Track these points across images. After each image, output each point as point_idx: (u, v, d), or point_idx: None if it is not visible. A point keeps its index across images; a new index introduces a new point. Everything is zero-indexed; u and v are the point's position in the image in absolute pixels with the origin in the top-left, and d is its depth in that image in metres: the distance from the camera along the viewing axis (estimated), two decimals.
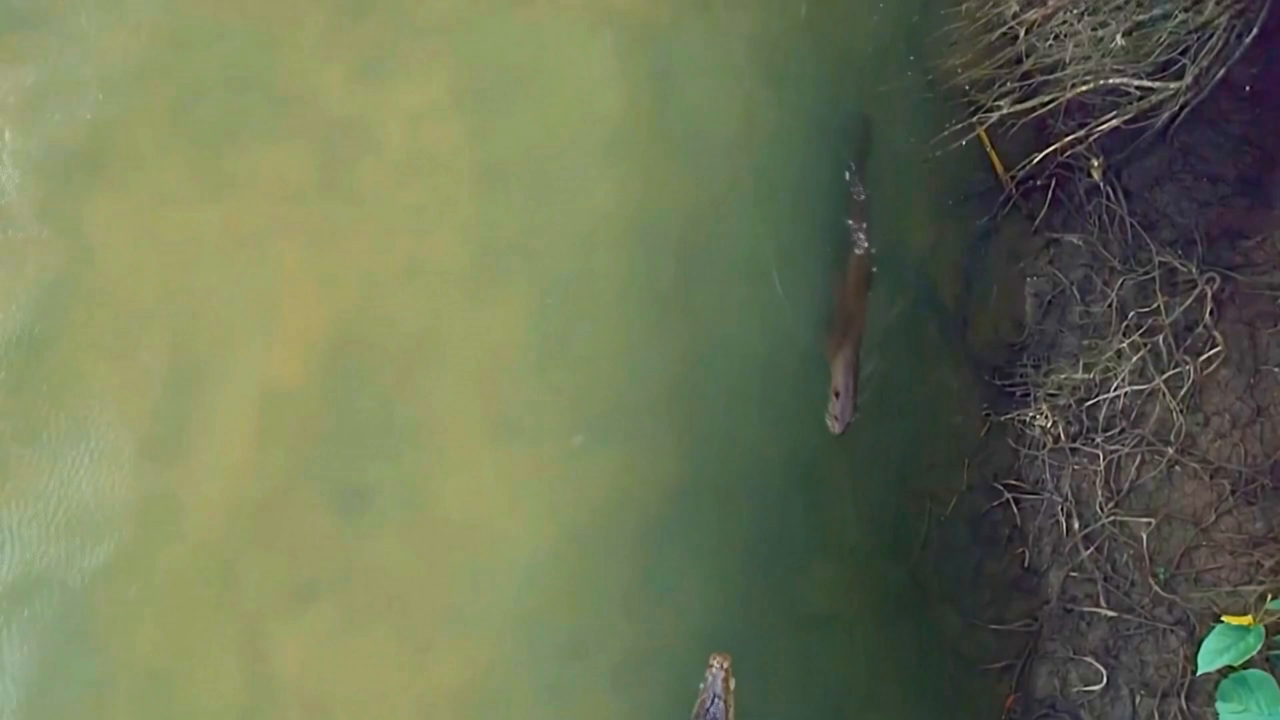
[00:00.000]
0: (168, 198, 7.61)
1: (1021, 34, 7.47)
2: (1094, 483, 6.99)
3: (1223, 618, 5.62)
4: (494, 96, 7.71)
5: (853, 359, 7.24)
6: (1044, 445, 7.14)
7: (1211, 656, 5.60)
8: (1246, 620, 5.58)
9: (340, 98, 7.64)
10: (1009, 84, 7.50)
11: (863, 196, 7.45)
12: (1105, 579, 6.88)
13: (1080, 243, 7.45)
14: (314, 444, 7.25)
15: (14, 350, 7.30)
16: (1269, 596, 6.36)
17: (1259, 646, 5.52)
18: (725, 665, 6.58)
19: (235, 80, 7.60)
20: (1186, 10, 7.03)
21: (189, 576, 7.05)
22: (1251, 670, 5.54)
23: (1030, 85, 7.45)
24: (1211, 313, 7.08)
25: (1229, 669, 5.58)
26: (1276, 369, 6.98)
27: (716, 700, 6.58)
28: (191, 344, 7.39)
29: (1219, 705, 5.57)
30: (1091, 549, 6.93)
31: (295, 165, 7.68)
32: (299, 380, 7.35)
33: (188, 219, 7.58)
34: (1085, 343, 7.28)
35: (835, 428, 7.14)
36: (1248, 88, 7.35)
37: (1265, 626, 5.63)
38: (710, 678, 6.60)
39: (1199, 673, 5.66)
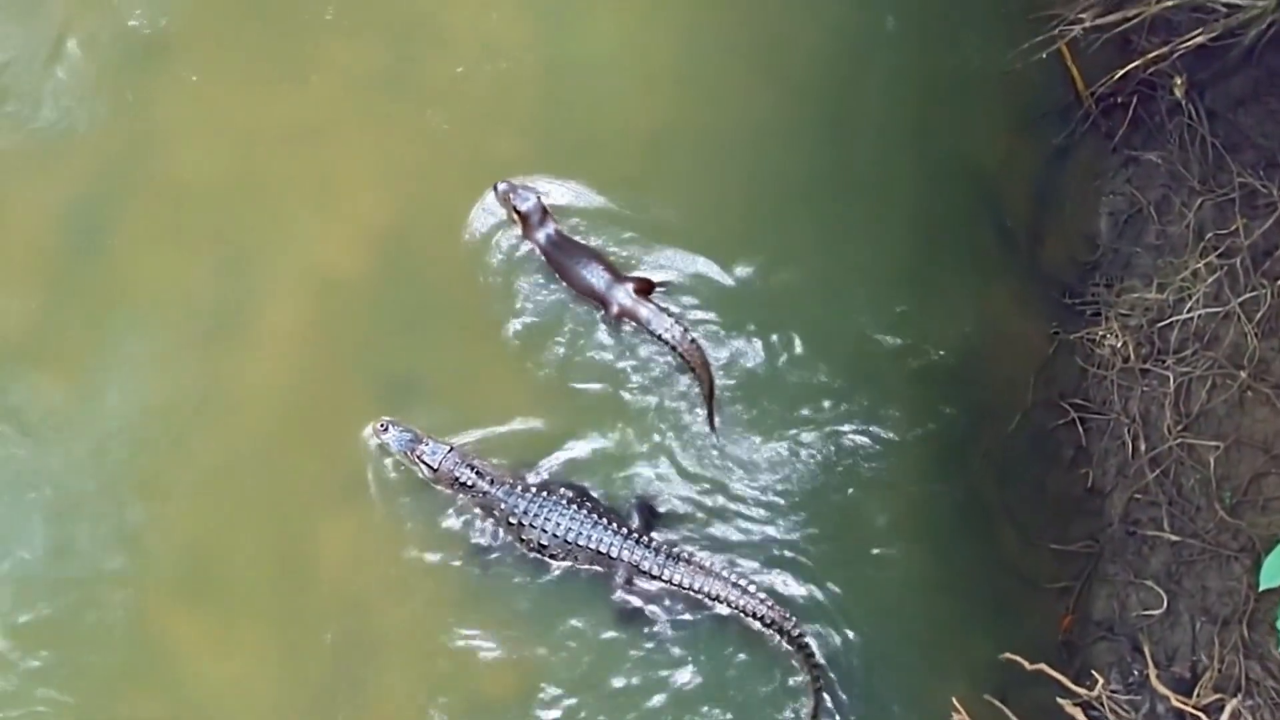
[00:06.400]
0: (236, 84, 7.60)
1: None
2: (1163, 405, 6.82)
3: None
4: None
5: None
6: (1113, 365, 6.97)
7: (1274, 572, 5.40)
8: None
9: None
10: None
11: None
12: (1170, 503, 6.71)
13: (1159, 162, 7.27)
14: (366, 334, 7.20)
15: (81, 235, 7.28)
16: None
17: None
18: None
19: None
20: None
21: (237, 465, 7.03)
22: None
23: None
24: None
25: None
26: None
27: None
28: (251, 231, 7.36)
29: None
30: (1157, 472, 6.76)
31: (365, 56, 7.65)
32: (355, 271, 7.30)
33: (254, 106, 7.57)
34: (1160, 263, 7.11)
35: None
36: None
37: None
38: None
39: (1261, 589, 5.48)
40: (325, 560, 6.87)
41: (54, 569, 6.76)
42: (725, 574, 6.72)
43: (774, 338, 7.21)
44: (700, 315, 7.21)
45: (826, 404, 7.06)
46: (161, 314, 7.22)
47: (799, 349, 7.17)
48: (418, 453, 6.87)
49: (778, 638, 6.70)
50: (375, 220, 7.41)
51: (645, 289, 7.17)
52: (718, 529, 6.91)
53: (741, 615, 6.72)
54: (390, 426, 6.91)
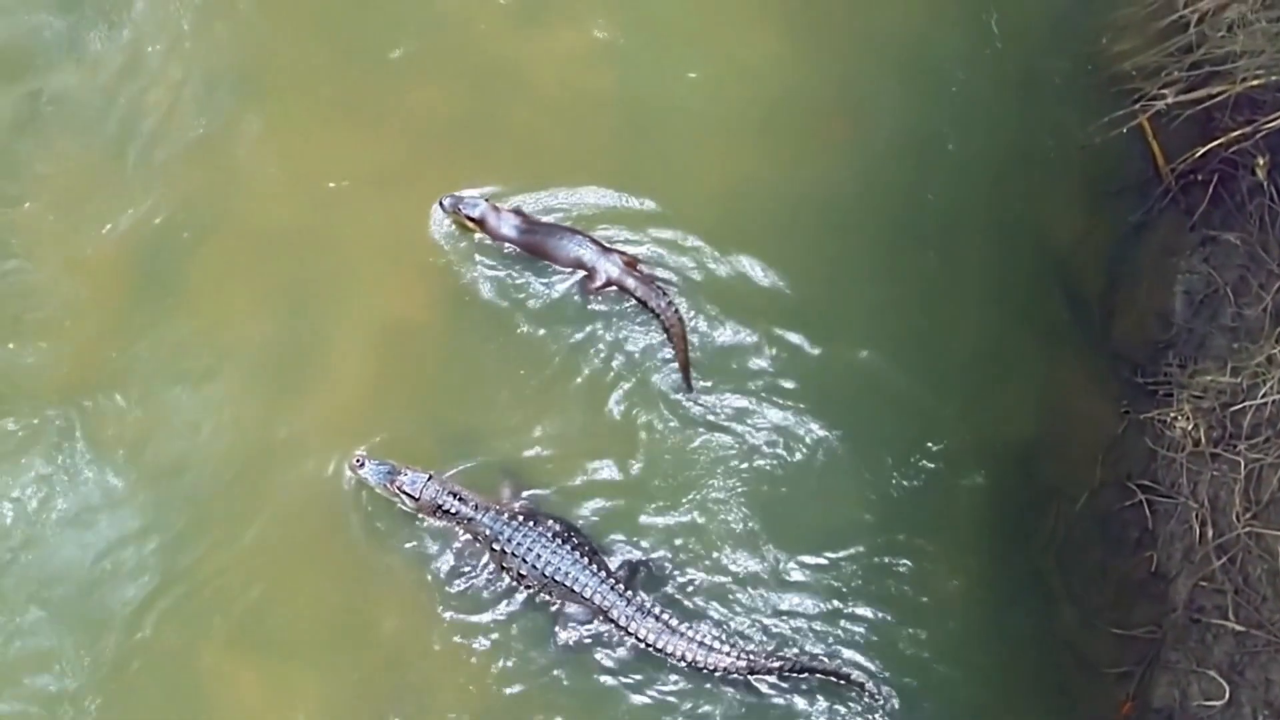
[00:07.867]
0: (312, 130, 7.64)
1: (1193, 22, 7.21)
2: (1233, 491, 6.72)
3: None
4: (651, 46, 7.67)
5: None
6: (1183, 448, 6.88)
7: None
8: None
9: (499, 37, 7.62)
10: (1176, 73, 7.25)
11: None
12: (1236, 591, 6.61)
13: (1238, 242, 7.18)
14: (430, 382, 7.21)
15: (153, 277, 7.32)
16: None
17: None
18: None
19: (396, 12, 7.61)
20: None
21: (301, 516, 7.02)
22: None
23: (1198, 76, 7.20)
24: None
25: None
26: None
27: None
28: (321, 277, 7.38)
29: None
30: (1224, 559, 6.66)
31: (442, 104, 7.67)
32: (422, 319, 7.32)
33: (330, 152, 7.60)
34: (1235, 346, 7.01)
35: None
36: None
37: None
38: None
39: None
40: (382, 615, 6.86)
41: (107, 612, 6.80)
42: (691, 633, 6.63)
43: (830, 407, 7.18)
44: (769, 399, 7.21)
45: (889, 479, 7.04)
46: (229, 357, 7.25)
47: (857, 420, 7.14)
48: (397, 484, 6.80)
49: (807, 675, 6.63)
50: (445, 266, 7.42)
51: (632, 263, 7.29)
52: (762, 603, 6.88)
53: (736, 675, 6.64)
54: (365, 461, 6.84)
